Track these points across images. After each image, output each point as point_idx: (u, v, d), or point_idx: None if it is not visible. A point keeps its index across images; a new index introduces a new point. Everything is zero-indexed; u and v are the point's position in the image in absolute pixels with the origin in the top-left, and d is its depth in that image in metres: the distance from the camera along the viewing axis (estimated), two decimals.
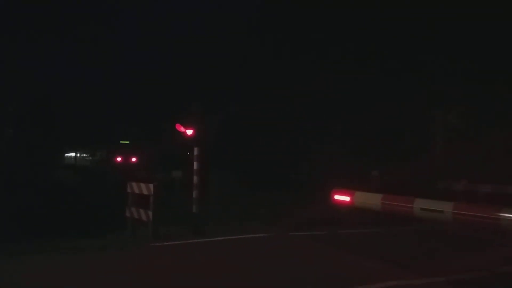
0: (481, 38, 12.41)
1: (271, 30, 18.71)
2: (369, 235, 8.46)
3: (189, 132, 9.76)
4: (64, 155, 40.02)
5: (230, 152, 18.58)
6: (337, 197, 5.63)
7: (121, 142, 26.94)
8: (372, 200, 5.31)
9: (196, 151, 8.64)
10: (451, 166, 11.97)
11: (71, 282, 5.08)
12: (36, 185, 17.57)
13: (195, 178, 8.58)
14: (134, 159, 24.61)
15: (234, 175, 15.03)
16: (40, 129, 29.91)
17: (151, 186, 7.70)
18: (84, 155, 33.86)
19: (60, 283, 5.06)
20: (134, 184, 8.16)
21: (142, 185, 7.96)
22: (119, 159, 24.97)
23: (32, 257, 6.19)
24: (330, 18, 16.41)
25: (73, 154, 39.61)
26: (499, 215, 3.92)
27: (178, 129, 9.99)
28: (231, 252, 6.81)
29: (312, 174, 15.47)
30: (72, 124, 31.64)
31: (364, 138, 15.21)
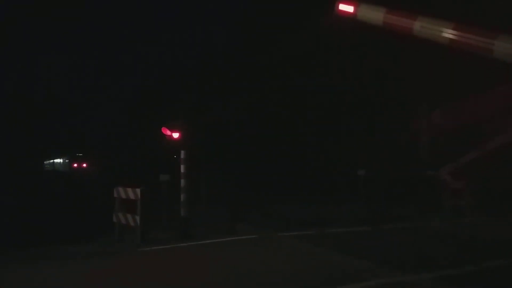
0: None
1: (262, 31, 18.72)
2: (357, 234, 8.54)
3: (175, 135, 9.76)
4: (43, 162, 43.57)
5: (218, 154, 18.51)
6: (342, 7, 5.60)
7: (77, 154, 38.04)
8: (375, 13, 5.23)
9: (183, 154, 8.56)
10: (437, 159, 12.27)
11: None
12: (20, 190, 17.38)
13: (182, 182, 8.51)
14: (84, 165, 37.21)
15: (222, 177, 14.99)
16: (21, 136, 30.06)
17: (138, 191, 7.60)
18: (67, 161, 36.55)
19: None
20: (120, 189, 8.05)
21: (129, 190, 7.84)
22: (75, 165, 37.67)
23: (20, 266, 6.06)
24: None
25: (51, 161, 43.71)
26: (493, 42, 3.90)
27: (165, 133, 10.02)
28: (220, 255, 6.77)
29: (301, 174, 15.57)
30: (51, 133, 38.56)
31: (352, 135, 15.37)
